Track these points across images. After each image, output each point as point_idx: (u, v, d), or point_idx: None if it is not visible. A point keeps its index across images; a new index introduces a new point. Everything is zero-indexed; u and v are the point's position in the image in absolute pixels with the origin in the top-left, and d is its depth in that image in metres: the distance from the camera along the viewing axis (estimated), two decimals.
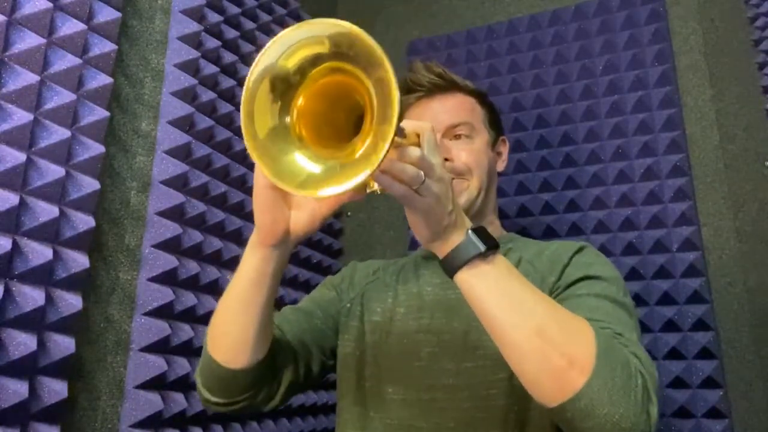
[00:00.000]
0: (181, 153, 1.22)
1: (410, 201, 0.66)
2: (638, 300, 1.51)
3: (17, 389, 0.84)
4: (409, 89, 1.08)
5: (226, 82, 1.39)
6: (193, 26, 1.29)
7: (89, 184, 0.99)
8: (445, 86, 1.07)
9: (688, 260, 1.50)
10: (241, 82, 1.44)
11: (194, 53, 1.28)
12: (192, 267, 1.21)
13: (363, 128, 0.61)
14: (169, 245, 1.16)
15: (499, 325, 0.67)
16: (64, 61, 0.99)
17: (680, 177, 1.56)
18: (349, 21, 0.58)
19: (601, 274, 0.85)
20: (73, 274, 0.94)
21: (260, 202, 0.74)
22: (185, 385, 1.15)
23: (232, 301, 0.81)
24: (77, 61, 1.01)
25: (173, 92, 1.23)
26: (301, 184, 0.61)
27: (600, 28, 1.75)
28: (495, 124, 1.13)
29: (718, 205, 1.53)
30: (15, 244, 0.87)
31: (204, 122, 1.30)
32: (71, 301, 0.94)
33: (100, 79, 1.04)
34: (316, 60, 0.62)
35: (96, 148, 1.01)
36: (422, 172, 0.64)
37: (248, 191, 1.42)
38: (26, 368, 0.87)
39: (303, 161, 0.63)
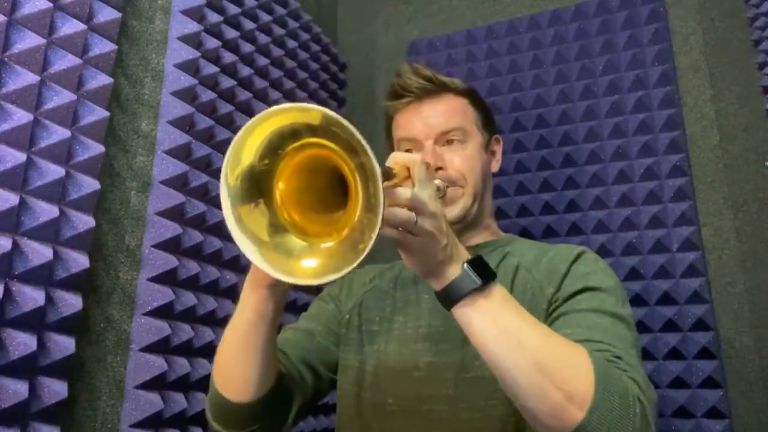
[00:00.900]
0: (181, 153, 1.22)
1: (404, 243, 0.66)
2: (638, 300, 1.51)
3: (17, 389, 0.84)
4: (397, 95, 1.06)
5: (226, 82, 1.39)
6: (193, 26, 1.29)
7: (89, 184, 0.99)
8: (435, 90, 1.05)
9: (688, 260, 1.50)
10: (241, 83, 1.44)
11: (194, 53, 1.28)
12: (192, 267, 1.21)
13: (348, 207, 0.61)
14: (169, 245, 1.16)
15: (498, 360, 0.68)
16: (64, 61, 0.99)
17: (680, 177, 1.56)
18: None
19: (599, 285, 0.85)
20: (73, 274, 0.94)
21: None
22: (185, 385, 1.15)
23: (234, 342, 0.82)
24: (77, 61, 1.01)
25: (173, 92, 1.23)
26: (306, 277, 0.62)
27: (600, 28, 1.75)
28: (488, 125, 1.10)
29: (718, 205, 1.53)
30: (15, 244, 0.87)
31: (204, 122, 1.30)
32: (71, 301, 0.94)
33: (100, 79, 1.04)
34: (282, 143, 0.62)
35: (96, 148, 1.01)
36: (413, 214, 0.64)
37: None
38: (26, 368, 0.86)
39: (301, 250, 0.64)
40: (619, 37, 1.72)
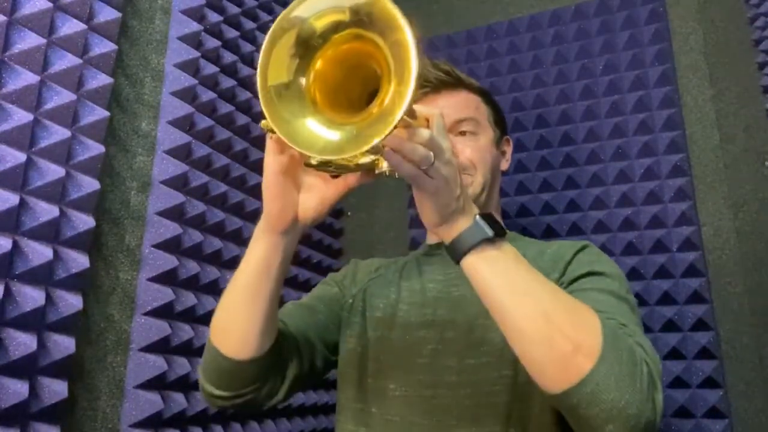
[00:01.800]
0: (181, 153, 1.22)
1: (419, 182, 0.66)
2: (638, 300, 1.49)
3: (17, 389, 0.84)
4: None
5: (226, 82, 1.39)
6: (193, 26, 1.29)
7: (89, 184, 0.99)
8: (452, 83, 1.08)
9: (688, 260, 1.50)
10: (241, 83, 1.44)
11: (194, 53, 1.28)
12: (192, 267, 1.21)
13: (380, 92, 0.60)
14: (169, 245, 1.16)
15: (506, 310, 0.67)
16: (64, 61, 0.99)
17: (680, 177, 1.56)
18: None
19: (604, 271, 0.86)
20: (73, 274, 0.94)
21: (270, 188, 0.74)
22: (185, 385, 1.15)
23: (239, 291, 0.80)
24: (77, 61, 1.01)
25: (173, 92, 1.23)
26: (320, 151, 0.61)
27: (600, 28, 1.75)
28: (499, 123, 1.13)
29: (718, 205, 1.53)
30: (15, 244, 0.87)
31: (204, 122, 1.30)
32: (71, 301, 0.94)
33: (100, 79, 1.05)
34: (337, 27, 0.62)
35: (96, 148, 1.01)
36: (432, 153, 0.64)
37: (248, 191, 1.43)
38: (26, 368, 0.87)
39: (316, 127, 0.62)
40: (619, 37, 1.72)
